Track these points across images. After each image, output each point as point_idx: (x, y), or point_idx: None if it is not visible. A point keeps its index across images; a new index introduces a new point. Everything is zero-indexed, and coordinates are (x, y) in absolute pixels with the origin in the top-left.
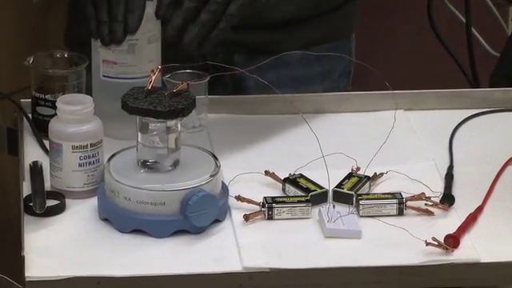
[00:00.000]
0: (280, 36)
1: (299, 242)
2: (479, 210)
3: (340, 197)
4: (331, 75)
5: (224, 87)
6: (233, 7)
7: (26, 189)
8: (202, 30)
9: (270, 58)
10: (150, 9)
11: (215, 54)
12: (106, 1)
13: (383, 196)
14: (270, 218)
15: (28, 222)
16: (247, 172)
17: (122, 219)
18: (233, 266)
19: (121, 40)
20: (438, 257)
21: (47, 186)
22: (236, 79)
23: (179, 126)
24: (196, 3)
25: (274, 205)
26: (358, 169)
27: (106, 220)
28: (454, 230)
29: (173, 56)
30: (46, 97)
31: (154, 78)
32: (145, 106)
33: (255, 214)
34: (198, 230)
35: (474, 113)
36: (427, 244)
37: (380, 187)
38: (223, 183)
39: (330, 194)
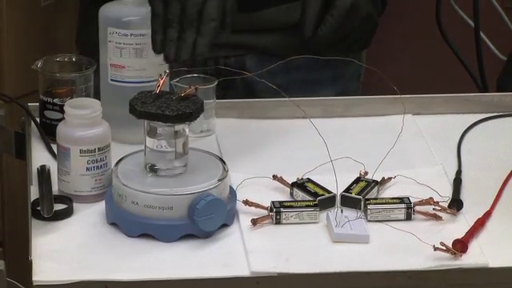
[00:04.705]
0: (291, 39)
1: (307, 247)
2: (487, 214)
3: (348, 201)
4: (341, 79)
5: (235, 91)
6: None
7: (34, 193)
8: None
9: (280, 62)
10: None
11: (227, 57)
12: (177, 20)
13: (391, 201)
14: (278, 222)
15: (36, 226)
16: (255, 176)
17: (130, 223)
18: (240, 270)
19: (185, 59)
20: (446, 262)
21: (55, 190)
22: (247, 83)
23: (187, 130)
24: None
25: (282, 209)
26: (366, 173)
27: (113, 224)
28: (463, 235)
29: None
30: (54, 101)
31: (162, 82)
32: (153, 110)
33: (263, 218)
34: (205, 235)
35: (482, 117)
36: (435, 249)
37: (388, 192)
38: (231, 187)
39: (338, 198)
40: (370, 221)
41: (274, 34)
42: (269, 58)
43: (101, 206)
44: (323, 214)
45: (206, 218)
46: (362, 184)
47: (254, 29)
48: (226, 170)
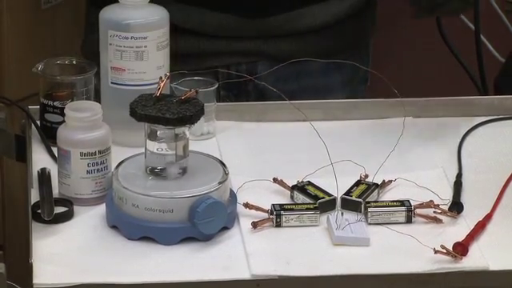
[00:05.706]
0: (302, 45)
1: (307, 250)
2: (488, 217)
3: (348, 204)
4: (351, 83)
5: (247, 97)
6: None
7: (34, 196)
8: None
9: (280, 65)
10: (158, 16)
11: (238, 64)
12: None
13: (392, 203)
14: (279, 225)
15: (36, 229)
16: (255, 179)
17: (130, 226)
18: (241, 273)
19: None
20: (446, 265)
21: (55, 193)
22: (259, 89)
23: (187, 133)
24: None
25: (282, 212)
26: (367, 176)
27: (114, 227)
28: (463, 238)
29: (184, 66)
30: (55, 103)
31: (162, 84)
32: (153, 112)
33: (263, 221)
34: (206, 238)
35: (482, 120)
36: (436, 252)
37: (388, 195)
38: (231, 190)
39: (339, 201)
40: (370, 224)
41: (285, 40)
42: (280, 64)
43: (101, 208)
44: (324, 217)
45: (206, 221)
46: (363, 187)
47: (265, 35)
48: (226, 173)
